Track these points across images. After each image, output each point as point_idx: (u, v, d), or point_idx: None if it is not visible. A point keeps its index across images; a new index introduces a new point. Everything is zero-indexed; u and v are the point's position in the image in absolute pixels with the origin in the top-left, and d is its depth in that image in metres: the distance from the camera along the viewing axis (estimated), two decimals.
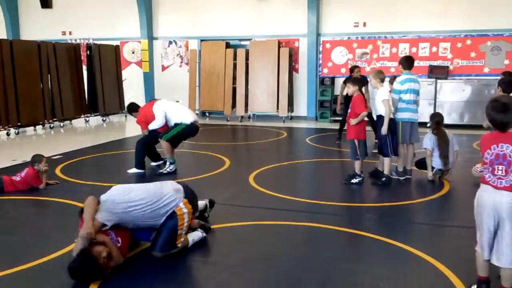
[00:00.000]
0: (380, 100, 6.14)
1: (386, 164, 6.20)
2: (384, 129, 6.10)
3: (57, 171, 6.93)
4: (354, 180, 6.20)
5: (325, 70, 13.39)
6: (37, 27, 15.75)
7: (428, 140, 6.35)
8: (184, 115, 6.96)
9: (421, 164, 6.56)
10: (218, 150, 8.57)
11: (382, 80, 6.28)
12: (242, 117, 13.62)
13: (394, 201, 5.49)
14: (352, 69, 9.37)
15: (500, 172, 2.89)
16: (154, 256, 3.78)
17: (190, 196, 4.02)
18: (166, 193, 3.87)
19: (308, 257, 3.89)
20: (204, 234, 4.19)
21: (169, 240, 3.80)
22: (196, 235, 4.12)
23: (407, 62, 6.49)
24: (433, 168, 6.33)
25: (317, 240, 4.37)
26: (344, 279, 3.49)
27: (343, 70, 13.15)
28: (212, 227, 4.53)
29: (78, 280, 3.34)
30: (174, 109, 7.04)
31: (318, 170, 7.68)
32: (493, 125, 2.95)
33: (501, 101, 2.91)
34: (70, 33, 15.60)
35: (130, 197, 3.75)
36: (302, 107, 13.69)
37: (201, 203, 4.60)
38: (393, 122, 6.20)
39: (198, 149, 8.64)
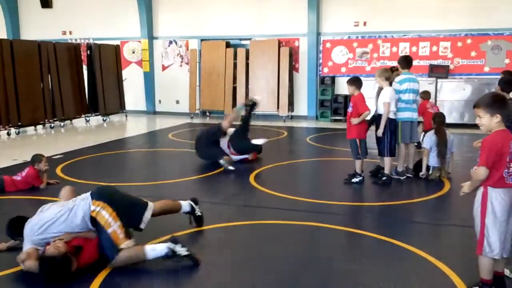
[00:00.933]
0: (382, 101, 6.12)
1: (387, 164, 6.20)
2: (380, 131, 6.10)
3: (58, 171, 6.93)
4: (354, 180, 6.20)
5: (326, 70, 13.38)
6: (37, 27, 15.76)
7: (429, 140, 6.36)
8: None
9: (419, 167, 6.55)
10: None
11: (387, 79, 6.23)
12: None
13: (394, 201, 5.49)
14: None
15: None
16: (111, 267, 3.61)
17: (96, 195, 3.76)
18: (72, 203, 3.77)
19: (309, 256, 3.89)
20: (172, 248, 3.63)
21: (108, 245, 3.60)
22: (160, 248, 3.67)
23: (406, 62, 6.49)
24: (428, 167, 6.36)
25: (317, 239, 4.37)
26: (345, 278, 3.49)
27: (343, 69, 13.14)
28: (212, 226, 4.53)
29: (55, 281, 3.41)
30: None
31: (319, 170, 7.68)
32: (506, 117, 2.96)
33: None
34: (70, 32, 15.60)
35: (42, 217, 3.76)
36: (303, 106, 13.69)
37: (185, 204, 4.44)
38: (393, 123, 6.20)
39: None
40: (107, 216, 3.65)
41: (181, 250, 3.63)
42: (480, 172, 2.91)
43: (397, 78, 6.39)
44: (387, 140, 6.13)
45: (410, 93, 6.30)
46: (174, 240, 3.69)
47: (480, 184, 2.99)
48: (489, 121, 2.94)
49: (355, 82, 6.24)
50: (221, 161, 7.05)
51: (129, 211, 3.87)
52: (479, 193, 3.01)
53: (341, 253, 4.04)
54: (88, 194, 3.83)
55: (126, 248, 3.59)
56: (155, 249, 3.66)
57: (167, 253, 3.63)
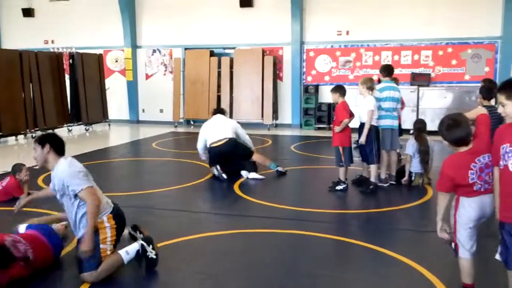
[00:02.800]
0: (365, 109, 6.16)
1: (373, 172, 6.23)
2: (362, 139, 6.12)
3: (39, 181, 6.83)
4: (338, 187, 6.22)
5: (309, 78, 13.47)
6: (19, 36, 15.59)
7: (411, 146, 6.43)
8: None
9: (401, 173, 6.60)
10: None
11: (369, 88, 6.27)
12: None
13: (378, 208, 5.52)
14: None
15: (487, 178, 2.96)
16: (84, 280, 3.48)
17: (116, 212, 3.72)
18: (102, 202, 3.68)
19: (294, 264, 3.88)
20: (144, 246, 3.67)
21: (91, 258, 3.47)
22: (132, 249, 3.68)
23: (387, 70, 6.58)
24: (411, 173, 6.42)
25: (302, 247, 4.36)
26: (330, 286, 3.49)
27: (327, 78, 13.25)
28: (197, 236, 4.50)
29: None
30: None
31: (304, 178, 7.69)
32: (455, 145, 3.00)
33: (451, 119, 3.00)
34: (52, 41, 15.47)
35: None
36: (287, 114, 13.74)
37: (131, 250, 3.75)
38: (376, 130, 6.25)
39: (183, 158, 8.59)
40: (108, 236, 3.60)
41: (151, 253, 3.66)
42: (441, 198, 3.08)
43: (378, 86, 6.47)
44: (374, 148, 6.17)
45: (391, 101, 6.37)
46: (148, 240, 3.71)
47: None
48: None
49: (339, 90, 6.30)
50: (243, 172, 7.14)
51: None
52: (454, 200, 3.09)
53: (326, 261, 4.04)
54: (111, 203, 3.78)
55: (104, 260, 3.54)
56: (128, 252, 3.65)
57: (139, 250, 3.65)
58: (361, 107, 6.27)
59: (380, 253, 4.07)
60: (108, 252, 3.58)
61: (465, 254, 3.10)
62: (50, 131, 3.95)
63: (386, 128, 6.38)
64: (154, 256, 3.68)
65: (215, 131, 7.27)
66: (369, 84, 6.25)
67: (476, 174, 2.94)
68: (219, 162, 7.05)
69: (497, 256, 2.90)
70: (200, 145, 7.46)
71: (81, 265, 3.52)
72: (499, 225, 2.83)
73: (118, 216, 3.72)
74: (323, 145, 10.32)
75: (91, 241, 3.45)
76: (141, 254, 3.67)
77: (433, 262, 3.86)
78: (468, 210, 3.01)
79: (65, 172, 3.58)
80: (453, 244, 3.16)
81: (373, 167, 6.21)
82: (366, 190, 6.21)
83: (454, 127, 2.96)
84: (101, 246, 3.54)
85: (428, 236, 4.65)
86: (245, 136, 7.58)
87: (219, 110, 7.76)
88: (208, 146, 7.27)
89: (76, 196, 3.56)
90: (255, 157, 7.34)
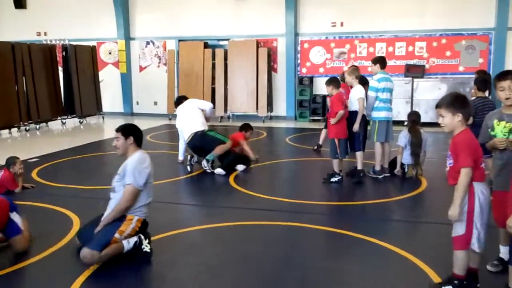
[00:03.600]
0: (355, 97, 6.26)
1: (359, 158, 6.34)
2: (356, 127, 6.23)
3: (34, 175, 6.81)
4: (333, 179, 6.25)
5: (304, 70, 13.45)
6: (11, 27, 15.42)
7: (403, 138, 6.46)
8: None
9: (394, 164, 6.64)
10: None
11: (357, 78, 6.41)
12: (221, 117, 13.59)
13: (373, 199, 5.55)
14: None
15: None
16: (81, 258, 3.62)
17: (145, 221, 3.97)
18: (146, 198, 3.94)
19: (289, 256, 3.90)
20: (141, 239, 3.84)
21: (102, 240, 3.69)
22: (131, 239, 3.82)
23: (383, 62, 6.60)
24: (402, 164, 6.47)
25: (297, 239, 4.38)
26: (324, 277, 3.51)
27: (321, 70, 13.23)
28: (192, 228, 4.51)
29: None
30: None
31: (299, 170, 7.71)
32: (467, 119, 3.05)
33: (461, 95, 3.09)
34: (45, 33, 15.33)
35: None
36: (282, 107, 13.73)
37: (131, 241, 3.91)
38: (364, 119, 6.36)
39: (177, 150, 8.58)
40: (129, 230, 3.81)
41: (146, 247, 3.81)
42: (466, 173, 2.93)
43: (375, 76, 6.47)
44: (361, 135, 6.26)
45: (388, 92, 6.42)
46: (145, 235, 3.89)
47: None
48: (451, 120, 3.00)
49: (333, 82, 6.31)
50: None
51: None
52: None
53: (320, 252, 4.06)
54: (146, 213, 3.97)
55: (109, 246, 3.72)
56: (129, 242, 3.79)
57: (136, 242, 3.80)
58: (351, 96, 6.36)
59: (374, 244, 4.10)
60: (114, 245, 3.75)
61: (475, 246, 3.03)
62: (130, 123, 4.02)
63: (382, 120, 6.39)
64: (149, 250, 3.82)
65: (184, 127, 7.31)
66: (357, 74, 6.42)
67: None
68: (199, 154, 7.16)
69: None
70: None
71: (89, 241, 3.69)
72: None
73: (144, 224, 3.96)
74: (318, 137, 10.31)
75: (104, 223, 3.79)
76: (137, 246, 3.79)
77: (426, 252, 3.88)
78: (484, 195, 2.99)
79: (133, 163, 3.85)
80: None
81: (359, 154, 6.32)
82: (358, 179, 6.26)
83: (467, 101, 3.05)
84: (116, 234, 3.73)
85: (422, 227, 4.69)
86: (207, 105, 7.60)
87: (179, 101, 7.69)
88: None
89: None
90: (221, 146, 7.03)
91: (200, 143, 7.08)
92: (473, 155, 2.95)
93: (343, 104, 6.18)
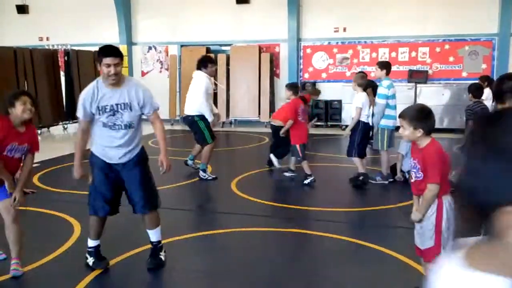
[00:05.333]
0: (354, 105, 6.27)
1: (357, 164, 6.31)
2: (346, 131, 6.36)
3: (35, 180, 6.77)
4: (306, 181, 6.40)
5: (306, 75, 13.42)
6: (14, 33, 15.45)
7: (404, 145, 6.44)
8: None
9: (395, 170, 6.64)
10: (200, 156, 8.46)
11: (361, 86, 6.35)
12: (223, 122, 13.56)
13: (375, 206, 5.50)
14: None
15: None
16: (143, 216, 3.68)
17: None
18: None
19: (290, 263, 3.86)
20: (159, 245, 3.88)
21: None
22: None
23: (389, 67, 6.53)
24: (402, 171, 6.47)
25: (299, 246, 4.33)
26: (327, 284, 3.46)
27: (324, 75, 13.20)
28: (194, 234, 4.46)
29: None
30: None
31: (300, 176, 7.64)
32: (429, 132, 2.99)
33: (426, 107, 3.08)
34: (47, 39, 15.34)
35: None
36: None
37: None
38: (367, 127, 6.33)
39: (180, 156, 8.54)
40: None
41: (163, 256, 3.75)
42: (432, 189, 2.90)
43: (384, 83, 6.32)
44: (356, 142, 6.23)
45: (394, 98, 6.36)
46: (162, 247, 3.82)
47: None
48: (411, 134, 2.97)
49: (293, 88, 6.63)
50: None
51: None
52: (434, 203, 2.99)
53: (322, 259, 4.01)
54: None
55: None
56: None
57: (157, 245, 3.77)
58: (353, 103, 6.36)
59: (377, 250, 4.05)
60: None
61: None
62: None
63: (391, 128, 6.32)
64: (164, 259, 3.75)
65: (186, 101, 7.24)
66: (362, 81, 6.43)
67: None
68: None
69: None
70: None
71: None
72: None
73: None
74: (320, 142, 10.28)
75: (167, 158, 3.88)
76: (156, 249, 3.75)
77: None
78: (450, 208, 2.96)
79: (145, 90, 3.70)
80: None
81: (355, 160, 6.30)
82: (357, 183, 6.26)
83: (431, 115, 3.00)
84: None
85: None
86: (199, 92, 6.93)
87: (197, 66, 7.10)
88: None
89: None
90: (204, 150, 6.90)
91: (190, 127, 7.09)
92: (441, 170, 2.91)
93: (296, 113, 6.36)
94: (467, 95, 11.19)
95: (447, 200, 2.97)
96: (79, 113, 3.57)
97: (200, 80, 6.78)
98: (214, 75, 7.11)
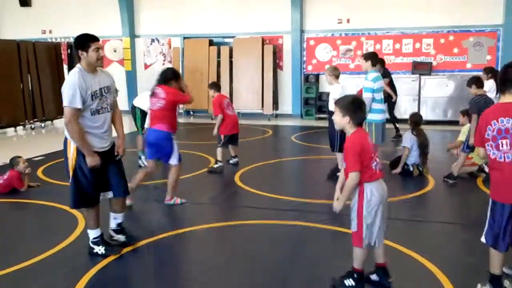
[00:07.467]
0: (332, 98, 5.98)
1: (338, 158, 6.18)
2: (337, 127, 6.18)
3: (39, 173, 6.80)
4: (215, 166, 6.86)
5: (310, 67, 13.37)
6: (16, 26, 15.43)
7: (409, 139, 6.45)
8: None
9: (396, 163, 6.62)
10: (203, 149, 8.49)
11: (337, 77, 6.27)
12: None
13: None
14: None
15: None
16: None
17: None
18: None
19: (295, 256, 3.86)
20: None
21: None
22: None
23: (376, 59, 6.28)
24: (406, 164, 6.45)
25: (303, 238, 4.34)
26: (330, 276, 3.46)
27: (327, 67, 13.11)
28: (198, 227, 4.47)
29: None
30: None
31: (304, 168, 7.65)
32: (359, 124, 3.12)
33: (359, 99, 3.23)
34: (50, 31, 15.32)
35: None
36: (287, 104, 13.66)
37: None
38: None
39: (182, 148, 8.51)
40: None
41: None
42: (353, 178, 3.04)
43: (370, 76, 6.08)
44: (337, 136, 6.02)
45: (381, 91, 6.21)
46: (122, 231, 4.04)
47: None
48: (340, 120, 3.14)
49: (213, 86, 7.03)
50: None
51: None
52: (356, 190, 3.12)
53: (327, 252, 4.01)
54: None
55: None
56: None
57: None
58: (330, 95, 6.25)
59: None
60: None
61: (366, 243, 3.15)
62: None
63: (379, 122, 6.16)
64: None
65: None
66: (337, 72, 6.33)
67: (372, 151, 3.10)
68: None
69: (482, 239, 3.07)
70: None
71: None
72: (491, 206, 2.98)
73: None
74: (324, 135, 10.21)
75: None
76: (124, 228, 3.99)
77: (432, 251, 3.83)
78: (375, 194, 3.07)
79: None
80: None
81: (339, 155, 6.11)
82: (329, 176, 6.23)
83: (363, 107, 3.16)
84: None
85: (428, 226, 4.62)
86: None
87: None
88: None
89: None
90: (139, 144, 7.03)
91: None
92: (360, 158, 3.02)
93: (221, 107, 6.79)
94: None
95: (369, 187, 3.07)
96: (77, 102, 3.59)
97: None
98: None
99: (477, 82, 5.90)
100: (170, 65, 14.33)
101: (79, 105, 3.58)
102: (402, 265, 3.66)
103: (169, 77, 5.18)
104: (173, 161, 5.20)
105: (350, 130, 3.13)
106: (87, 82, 3.63)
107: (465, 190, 5.80)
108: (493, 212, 2.99)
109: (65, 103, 3.61)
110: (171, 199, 5.26)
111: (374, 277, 3.31)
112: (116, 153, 3.92)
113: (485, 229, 3.03)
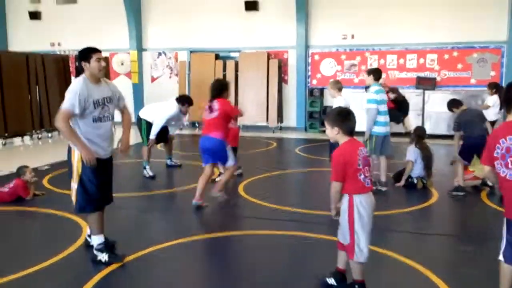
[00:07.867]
0: None
1: None
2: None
3: (45, 182, 6.85)
4: (218, 178, 6.66)
5: (314, 81, 13.46)
6: (26, 38, 15.67)
7: (413, 153, 6.50)
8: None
9: (398, 177, 6.66)
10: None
11: (340, 90, 6.56)
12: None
13: (383, 211, 5.49)
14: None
15: (368, 172, 3.13)
16: None
17: None
18: None
19: (297, 266, 3.88)
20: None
21: None
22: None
23: (377, 73, 6.49)
24: (410, 177, 6.49)
25: (306, 249, 4.35)
26: None
27: (330, 81, 13.20)
28: (199, 237, 4.50)
29: None
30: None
31: (308, 180, 7.68)
32: (349, 134, 3.18)
33: (347, 110, 3.29)
34: (59, 44, 15.54)
35: None
36: (292, 117, 13.73)
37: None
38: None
39: (188, 160, 8.61)
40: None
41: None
42: (334, 186, 3.13)
43: (372, 88, 6.26)
44: (336, 147, 6.07)
45: (385, 104, 6.32)
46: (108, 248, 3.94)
47: (342, 193, 3.17)
48: (330, 132, 3.24)
49: (184, 100, 7.45)
50: None
51: None
52: (345, 202, 3.16)
53: (328, 263, 4.01)
54: None
55: None
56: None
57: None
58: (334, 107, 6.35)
59: (383, 255, 4.05)
60: None
61: (362, 258, 3.17)
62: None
63: (381, 135, 6.24)
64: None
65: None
66: (339, 86, 6.60)
67: (361, 163, 3.12)
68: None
69: (500, 257, 2.96)
70: None
71: None
72: (506, 224, 2.89)
73: None
74: (327, 148, 10.27)
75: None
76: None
77: (436, 263, 3.83)
78: (364, 207, 3.12)
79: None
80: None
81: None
82: None
83: (350, 117, 3.20)
84: None
85: (432, 239, 4.63)
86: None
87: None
88: None
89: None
90: (144, 155, 7.41)
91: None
92: (342, 170, 3.09)
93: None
94: (475, 101, 11.30)
95: (358, 199, 3.11)
96: (74, 106, 3.71)
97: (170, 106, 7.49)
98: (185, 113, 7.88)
99: (453, 104, 6.29)
100: (176, 78, 14.48)
101: (75, 109, 3.72)
102: (406, 277, 3.67)
103: (220, 89, 5.57)
104: (230, 163, 5.59)
105: (341, 140, 3.20)
106: (89, 91, 3.81)
107: (469, 203, 5.81)
108: (510, 231, 2.93)
109: (62, 105, 3.77)
110: (220, 192, 5.63)
111: (331, 281, 3.38)
112: (117, 147, 4.11)
113: (502, 247, 2.95)
